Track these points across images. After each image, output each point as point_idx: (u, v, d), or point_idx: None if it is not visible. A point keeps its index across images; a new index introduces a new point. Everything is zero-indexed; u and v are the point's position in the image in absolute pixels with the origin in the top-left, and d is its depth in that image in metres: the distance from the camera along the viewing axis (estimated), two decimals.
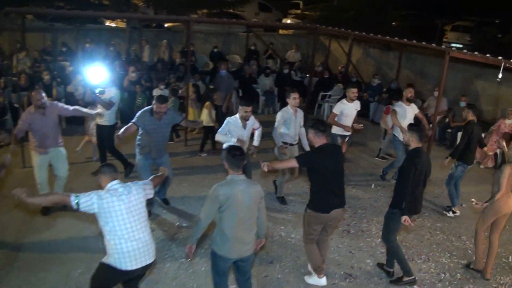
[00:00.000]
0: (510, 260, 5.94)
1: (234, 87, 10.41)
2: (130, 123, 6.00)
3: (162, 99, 5.95)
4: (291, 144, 6.77)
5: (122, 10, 15.63)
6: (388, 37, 10.00)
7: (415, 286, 5.22)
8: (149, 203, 5.16)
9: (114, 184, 3.76)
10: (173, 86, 10.16)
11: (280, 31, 19.39)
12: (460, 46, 19.05)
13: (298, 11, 26.42)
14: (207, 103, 8.88)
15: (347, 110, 7.39)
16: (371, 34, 10.77)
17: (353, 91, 7.42)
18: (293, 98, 6.66)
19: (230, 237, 3.92)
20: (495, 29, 22.48)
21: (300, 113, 6.86)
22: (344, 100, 7.52)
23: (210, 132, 8.78)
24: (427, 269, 5.60)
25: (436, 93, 9.86)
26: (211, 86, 10.25)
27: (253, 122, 6.44)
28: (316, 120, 4.75)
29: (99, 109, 6.98)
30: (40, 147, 6.09)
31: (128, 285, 4.08)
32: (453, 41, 19.67)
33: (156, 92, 9.52)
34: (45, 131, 6.02)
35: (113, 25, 18.11)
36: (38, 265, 5.12)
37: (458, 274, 5.54)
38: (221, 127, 6.24)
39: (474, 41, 19.34)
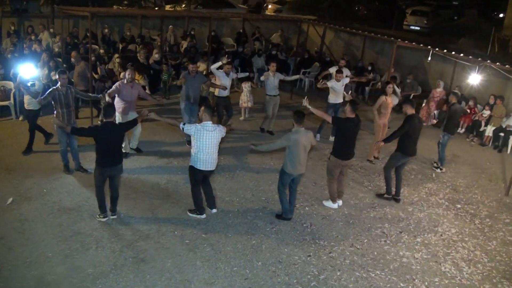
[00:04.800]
0: None
1: None
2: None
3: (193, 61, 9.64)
4: (275, 96, 10.39)
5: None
6: (354, 30, 13.05)
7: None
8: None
9: (208, 123, 6.41)
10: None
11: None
12: (418, 28, 21.73)
13: None
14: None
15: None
16: (342, 27, 13.75)
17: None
18: (272, 66, 10.34)
19: (296, 162, 6.63)
20: (452, 12, 25.03)
21: (279, 75, 10.37)
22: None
23: None
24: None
25: (392, 70, 12.80)
26: None
27: (233, 75, 10.22)
28: (355, 103, 7.25)
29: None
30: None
31: (203, 182, 6.87)
32: (412, 23, 22.05)
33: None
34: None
35: None
36: None
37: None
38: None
39: (430, 24, 21.87)
